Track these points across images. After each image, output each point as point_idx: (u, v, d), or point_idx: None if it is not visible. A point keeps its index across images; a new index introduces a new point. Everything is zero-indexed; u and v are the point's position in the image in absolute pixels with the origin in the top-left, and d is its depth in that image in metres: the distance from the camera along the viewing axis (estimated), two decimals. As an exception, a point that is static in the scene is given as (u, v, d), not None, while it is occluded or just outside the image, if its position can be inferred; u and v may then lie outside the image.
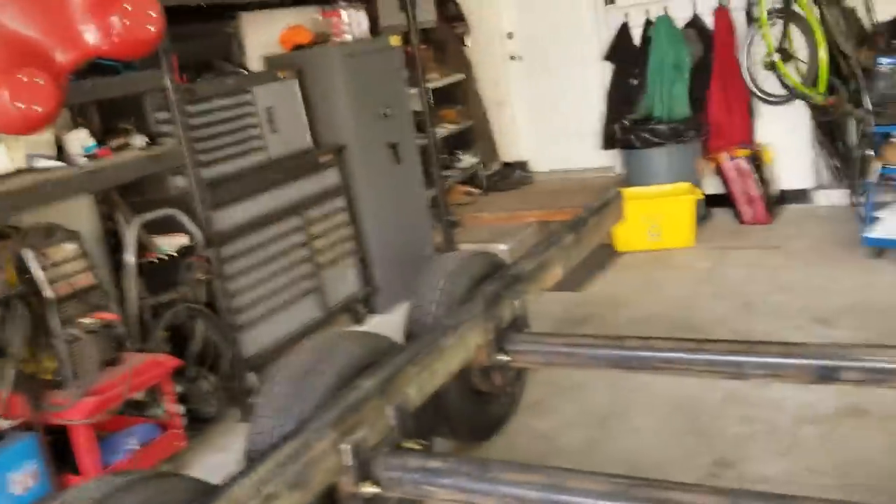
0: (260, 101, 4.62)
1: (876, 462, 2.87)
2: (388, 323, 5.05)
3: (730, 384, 3.50)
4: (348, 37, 5.23)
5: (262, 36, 5.17)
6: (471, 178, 7.13)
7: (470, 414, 3.35)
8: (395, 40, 5.59)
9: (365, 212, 5.15)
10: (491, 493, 2.29)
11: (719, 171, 6.04)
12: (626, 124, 6.21)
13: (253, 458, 2.23)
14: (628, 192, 4.85)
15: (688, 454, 3.18)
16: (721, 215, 6.17)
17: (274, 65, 5.05)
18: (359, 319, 5.15)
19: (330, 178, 4.95)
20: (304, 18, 5.35)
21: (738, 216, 6.00)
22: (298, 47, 5.16)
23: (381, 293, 5.26)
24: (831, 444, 3.04)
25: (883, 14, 5.71)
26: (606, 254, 5.66)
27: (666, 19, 6.28)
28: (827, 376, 2.63)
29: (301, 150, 4.85)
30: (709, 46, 6.18)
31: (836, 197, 5.98)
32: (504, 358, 3.21)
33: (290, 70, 4.85)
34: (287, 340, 4.52)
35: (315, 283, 4.78)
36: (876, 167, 4.74)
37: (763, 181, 5.91)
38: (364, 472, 2.42)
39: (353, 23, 5.26)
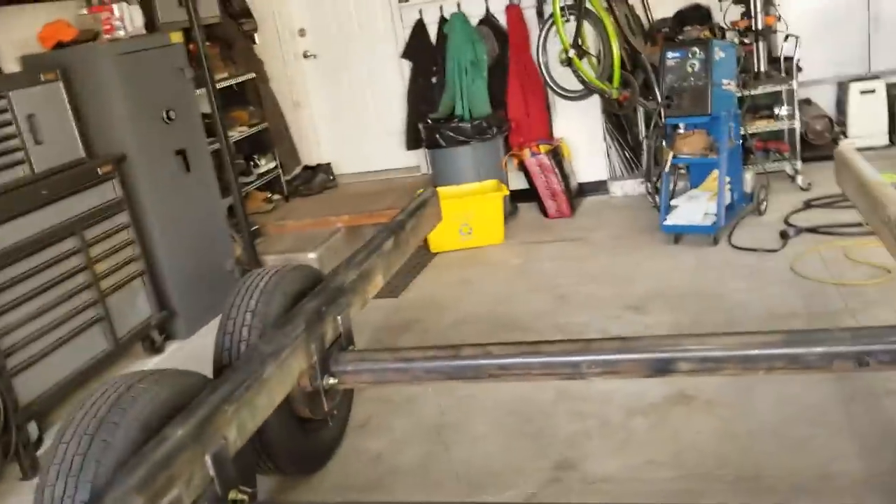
0: (18, 107, 3.96)
1: (709, 448, 2.92)
2: (192, 349, 4.59)
3: (559, 381, 3.48)
4: (121, 33, 4.65)
5: (15, 33, 4.46)
6: (270, 185, 6.71)
7: (295, 445, 3.02)
8: (175, 37, 5.09)
9: (153, 227, 4.62)
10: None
11: (523, 167, 6.12)
12: (430, 123, 6.11)
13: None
14: (438, 191, 4.74)
15: (527, 459, 3.08)
16: (527, 210, 6.26)
17: (33, 66, 4.37)
18: (156, 348, 4.61)
19: (109, 191, 4.36)
20: (66, 13, 4.70)
21: (543, 211, 6.10)
22: (61, 45, 4.51)
23: (180, 317, 4.76)
24: (664, 433, 3.07)
25: (657, 12, 6.08)
26: (420, 256, 5.53)
27: (460, 16, 6.25)
28: (662, 369, 2.61)
29: (72, 162, 4.23)
30: (504, 43, 6.24)
31: (629, 187, 6.26)
32: (331, 381, 2.93)
33: (54, 72, 4.21)
34: (72, 380, 3.95)
35: (99, 312, 4.20)
36: (668, 157, 4.95)
37: (564, 175, 6.05)
38: (184, 546, 2.04)
39: (126, 18, 4.69)
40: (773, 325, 3.35)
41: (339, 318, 3.03)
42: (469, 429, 3.37)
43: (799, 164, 5.62)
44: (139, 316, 4.49)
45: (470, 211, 5.63)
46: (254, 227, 5.89)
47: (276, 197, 6.74)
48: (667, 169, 5.00)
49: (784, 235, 4.75)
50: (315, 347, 2.85)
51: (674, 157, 4.97)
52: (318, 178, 7.06)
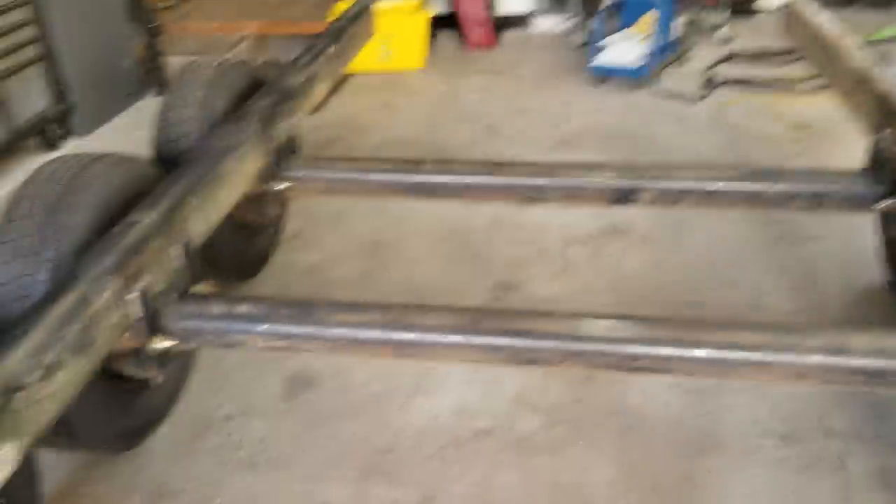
0: None
1: (645, 277, 3.05)
2: (92, 149, 4.22)
3: (491, 208, 3.49)
4: None
5: None
6: None
7: (236, 250, 2.91)
8: None
9: (54, 9, 4.08)
10: (318, 336, 1.97)
11: None
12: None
13: (20, 322, 1.63)
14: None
15: (469, 280, 3.12)
16: (447, 38, 5.94)
17: None
18: (52, 144, 4.20)
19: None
20: None
21: (464, 39, 5.84)
22: None
23: (79, 112, 4.34)
24: (601, 262, 3.17)
25: None
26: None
27: None
28: (624, 198, 2.66)
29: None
30: None
31: (554, 23, 6.08)
32: (283, 185, 2.79)
33: None
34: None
35: (-8, 96, 3.75)
36: None
37: (489, 4, 5.78)
38: (155, 325, 1.94)
39: None
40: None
41: (288, 120, 2.85)
42: (405, 249, 3.35)
43: (726, 15, 5.65)
44: (35, 106, 4.05)
45: (391, 30, 5.19)
46: (154, 24, 5.32)
47: (177, -8, 6.11)
48: (604, 4, 4.89)
49: (709, 84, 4.81)
50: (267, 149, 2.69)
51: None
52: None
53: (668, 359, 1.84)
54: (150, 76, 5.02)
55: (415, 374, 2.54)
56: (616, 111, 4.63)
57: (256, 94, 2.86)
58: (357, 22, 3.85)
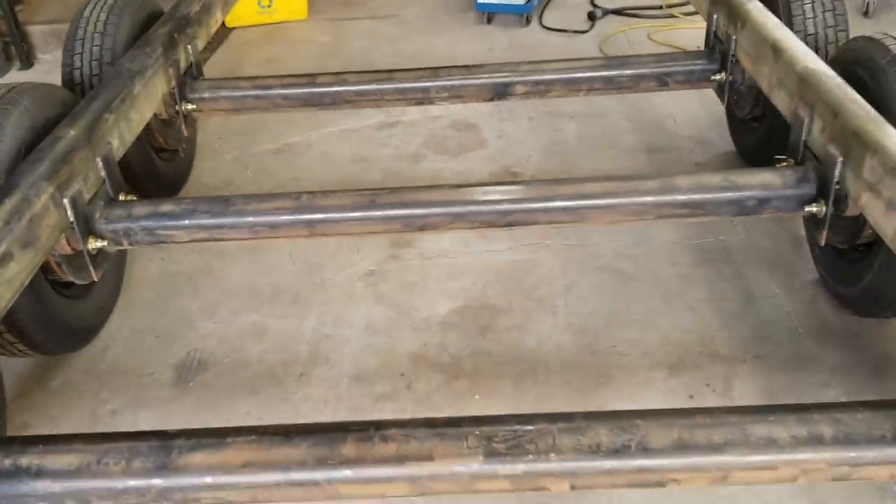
0: None
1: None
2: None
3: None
4: None
5: None
6: None
7: (152, 174, 3.12)
8: None
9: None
10: (237, 225, 2.25)
11: None
12: None
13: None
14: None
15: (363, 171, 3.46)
16: None
17: None
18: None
19: None
20: None
21: None
22: None
23: None
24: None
25: None
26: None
27: None
28: (502, 92, 2.99)
29: None
30: None
31: None
32: (188, 107, 3.01)
33: None
34: None
35: None
36: None
37: None
38: (87, 228, 2.19)
39: None
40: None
41: (188, 46, 3.06)
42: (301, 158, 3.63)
43: None
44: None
45: None
46: None
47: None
48: None
49: (592, 17, 4.94)
50: (172, 72, 2.90)
51: None
52: None
53: (533, 211, 2.20)
54: (12, 49, 4.87)
55: (311, 341, 2.51)
56: (502, 49, 4.71)
57: (156, 23, 3.04)
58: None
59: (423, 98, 3.04)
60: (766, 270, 2.68)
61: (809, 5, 2.67)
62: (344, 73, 3.08)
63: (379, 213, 2.22)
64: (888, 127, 1.90)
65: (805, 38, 2.64)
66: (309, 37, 5.15)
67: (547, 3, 5.26)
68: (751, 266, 2.70)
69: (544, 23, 5.01)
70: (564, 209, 2.20)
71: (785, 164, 2.28)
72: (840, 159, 2.00)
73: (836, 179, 2.02)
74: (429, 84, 3.01)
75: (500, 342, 2.47)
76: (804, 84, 2.21)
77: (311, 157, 3.63)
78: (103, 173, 2.29)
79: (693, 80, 2.96)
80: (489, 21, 5.08)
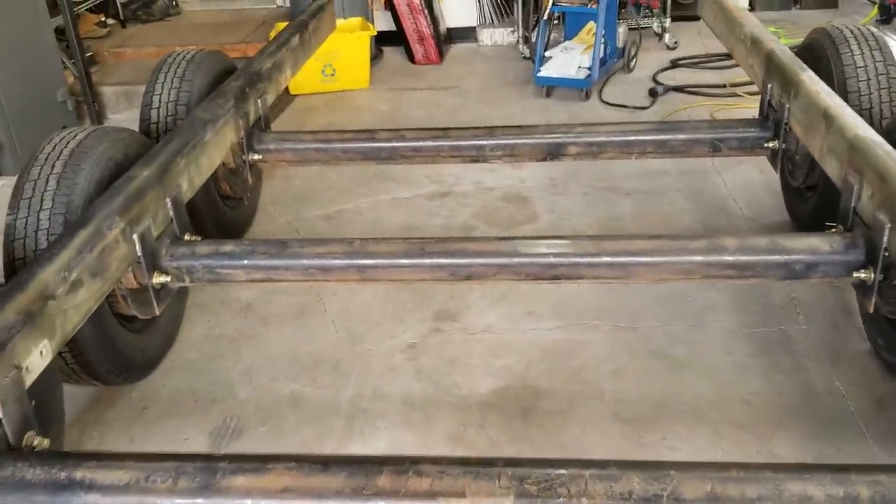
0: None
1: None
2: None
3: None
4: None
5: None
6: (103, 6, 6.23)
7: (219, 218, 3.27)
8: None
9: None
10: (292, 267, 2.35)
11: (390, 6, 5.95)
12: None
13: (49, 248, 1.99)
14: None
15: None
16: (392, 55, 6.14)
17: None
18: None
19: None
20: None
21: (409, 55, 5.99)
22: None
23: (7, 150, 4.37)
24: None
25: None
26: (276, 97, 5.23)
27: None
28: (555, 153, 3.07)
29: None
30: None
31: (499, 35, 6.26)
32: (255, 157, 3.17)
33: None
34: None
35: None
36: (548, 4, 5.10)
37: (433, 18, 5.95)
38: (153, 264, 2.31)
39: None
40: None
41: (258, 100, 3.23)
42: (366, 213, 3.74)
43: (667, 22, 5.91)
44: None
45: (334, 50, 5.21)
46: (87, 54, 5.38)
47: (111, 21, 6.28)
48: (545, 17, 5.13)
49: (653, 93, 4.93)
50: (242, 123, 3.07)
51: (553, 4, 5.10)
52: (159, 4, 6.59)
53: (579, 265, 2.24)
54: (85, 107, 5.08)
55: (347, 414, 2.48)
56: (560, 123, 4.45)
57: (230, 77, 3.23)
58: (319, 16, 4.23)
59: (478, 156, 3.14)
60: (829, 363, 2.57)
61: (865, 82, 2.70)
62: (401, 129, 3.22)
63: (427, 261, 2.29)
64: (938, 195, 1.90)
65: (860, 112, 2.66)
66: (369, 105, 5.28)
67: (608, 79, 5.28)
68: (812, 358, 2.60)
69: (604, 98, 5.02)
70: (610, 265, 2.23)
71: (834, 230, 2.28)
72: (888, 226, 2.00)
73: (884, 246, 2.02)
74: (483, 142, 3.11)
75: (543, 427, 2.41)
76: (854, 151, 2.23)
77: (361, 223, 3.69)
78: (171, 213, 2.42)
79: (746, 148, 2.99)
80: (548, 95, 5.12)
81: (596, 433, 2.37)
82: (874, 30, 2.91)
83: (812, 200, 3.04)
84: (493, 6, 6.34)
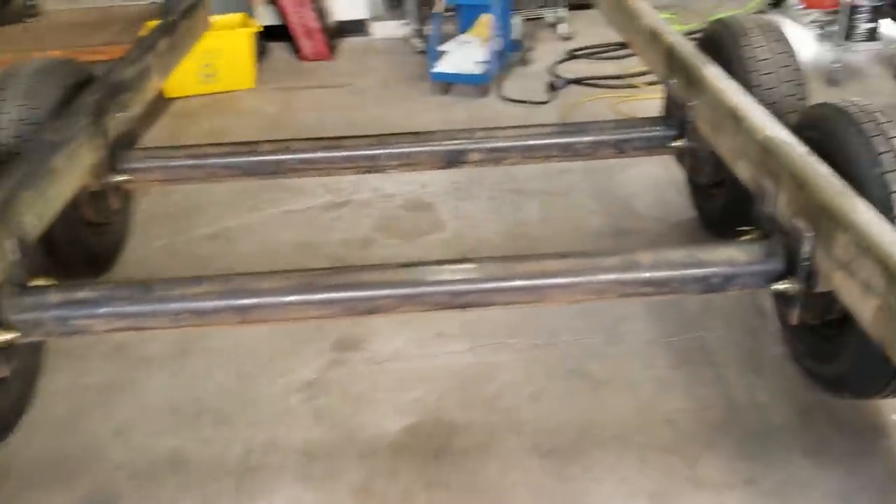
0: None
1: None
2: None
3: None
4: None
5: None
6: None
7: (83, 247, 2.91)
8: None
9: None
10: (160, 313, 2.04)
11: (273, 1, 5.59)
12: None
13: None
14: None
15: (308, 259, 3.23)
16: (279, 51, 5.73)
17: None
18: None
19: None
20: None
21: (297, 52, 5.64)
22: None
23: None
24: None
25: None
26: (151, 101, 4.75)
27: None
28: (455, 160, 2.86)
29: None
30: None
31: (391, 28, 5.97)
32: (120, 178, 2.82)
33: None
34: None
35: None
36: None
37: (320, 11, 5.62)
38: (-7, 320, 1.96)
39: None
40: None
41: (120, 114, 2.88)
42: (256, 231, 3.44)
43: (563, 12, 5.76)
44: None
45: (214, 49, 4.84)
46: None
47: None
48: (439, 9, 4.86)
49: (553, 87, 4.76)
50: (101, 142, 2.71)
51: None
52: (14, 2, 5.97)
53: (489, 291, 2.04)
54: None
55: (236, 473, 2.21)
56: (461, 122, 4.47)
57: (87, 89, 2.86)
58: (190, 15, 3.87)
59: (372, 166, 2.89)
60: (751, 372, 2.46)
61: (769, 76, 2.60)
62: (287, 140, 2.93)
63: (319, 296, 2.03)
64: (859, 201, 1.79)
65: (766, 107, 2.56)
66: (255, 107, 4.91)
67: (506, 74, 5.09)
68: (733, 367, 2.49)
69: (504, 94, 4.83)
70: (522, 288, 2.04)
71: (750, 236, 2.16)
72: (809, 234, 1.88)
73: (805, 256, 1.90)
74: (378, 151, 2.87)
75: (460, 468, 2.19)
76: (766, 153, 2.11)
77: (251, 243, 3.37)
78: (14, 257, 2.07)
79: (651, 147, 2.86)
80: (446, 92, 4.89)
81: (516, 471, 2.18)
82: (773, 19, 2.83)
83: (720, 198, 2.95)
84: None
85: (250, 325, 2.11)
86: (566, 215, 3.44)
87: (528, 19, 5.64)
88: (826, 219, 1.81)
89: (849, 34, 4.64)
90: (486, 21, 4.95)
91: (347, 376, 2.56)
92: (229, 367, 2.62)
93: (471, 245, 3.25)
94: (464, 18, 5.18)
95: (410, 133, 2.91)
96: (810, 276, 1.93)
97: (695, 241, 3.10)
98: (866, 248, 1.66)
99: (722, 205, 2.94)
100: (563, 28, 5.70)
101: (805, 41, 5.29)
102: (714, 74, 2.57)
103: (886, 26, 4.75)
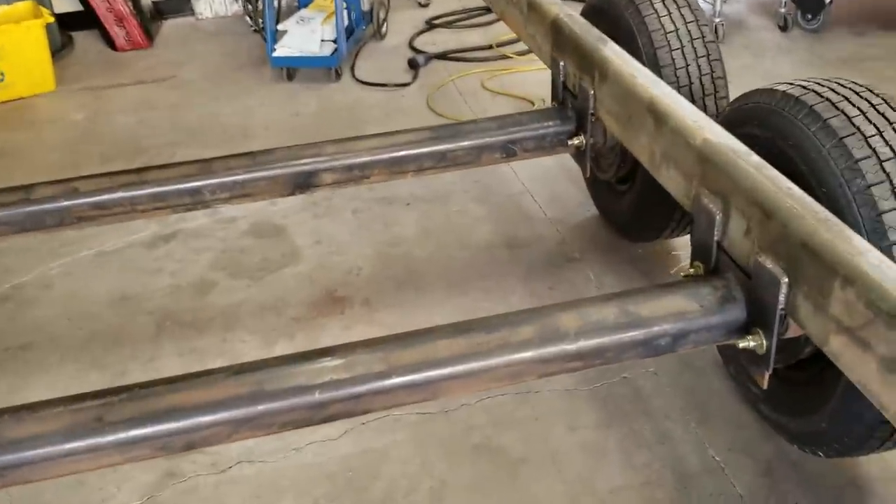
0: None
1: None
2: None
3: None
4: None
5: None
6: None
7: None
8: None
9: None
10: None
11: None
12: None
13: None
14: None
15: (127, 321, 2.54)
16: (88, 42, 4.84)
17: None
18: None
19: None
20: None
21: (108, 42, 4.77)
22: None
23: None
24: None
25: None
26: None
27: None
28: (304, 183, 2.23)
29: None
30: None
31: (220, 5, 5.21)
32: None
33: None
34: None
35: None
36: None
37: None
38: None
39: None
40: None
41: None
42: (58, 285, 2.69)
43: None
44: None
45: None
46: None
47: None
48: None
49: (413, 64, 4.18)
50: None
51: None
52: None
53: (361, 396, 1.44)
54: None
55: None
56: (311, 115, 3.83)
57: None
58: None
59: (194, 202, 2.21)
60: (695, 421, 2.00)
61: (679, 51, 2.11)
62: (74, 179, 2.19)
63: (111, 437, 1.38)
64: (853, 235, 1.32)
65: (678, 90, 2.08)
66: (57, 115, 4.04)
67: (359, 51, 4.44)
68: (674, 418, 2.02)
69: (358, 76, 4.18)
70: (409, 387, 1.46)
71: (693, 270, 1.68)
72: (784, 280, 1.39)
73: (781, 306, 1.42)
74: (201, 183, 2.19)
75: None
76: (708, 165, 1.61)
77: (51, 303, 2.62)
78: None
79: (545, 147, 2.33)
80: (290, 78, 4.19)
81: None
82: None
83: (629, 196, 2.47)
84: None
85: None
86: (448, 226, 2.88)
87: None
88: (810, 260, 1.33)
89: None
90: (329, -9, 4.27)
91: (185, 495, 1.92)
92: (23, 498, 1.92)
93: (338, 279, 2.64)
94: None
95: (243, 155, 2.24)
96: (785, 326, 1.46)
97: (602, 247, 2.68)
98: (877, 304, 1.19)
99: (632, 204, 2.46)
100: (418, -8, 5.11)
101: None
102: (616, 55, 2.04)
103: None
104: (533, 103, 3.70)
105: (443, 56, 4.31)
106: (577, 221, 2.84)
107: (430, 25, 4.76)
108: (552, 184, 3.05)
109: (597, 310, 1.55)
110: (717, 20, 4.23)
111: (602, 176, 2.54)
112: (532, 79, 3.85)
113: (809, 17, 4.31)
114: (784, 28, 4.36)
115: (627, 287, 2.34)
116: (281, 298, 2.56)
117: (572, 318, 1.52)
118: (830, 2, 4.20)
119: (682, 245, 2.60)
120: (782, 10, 4.34)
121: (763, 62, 4.08)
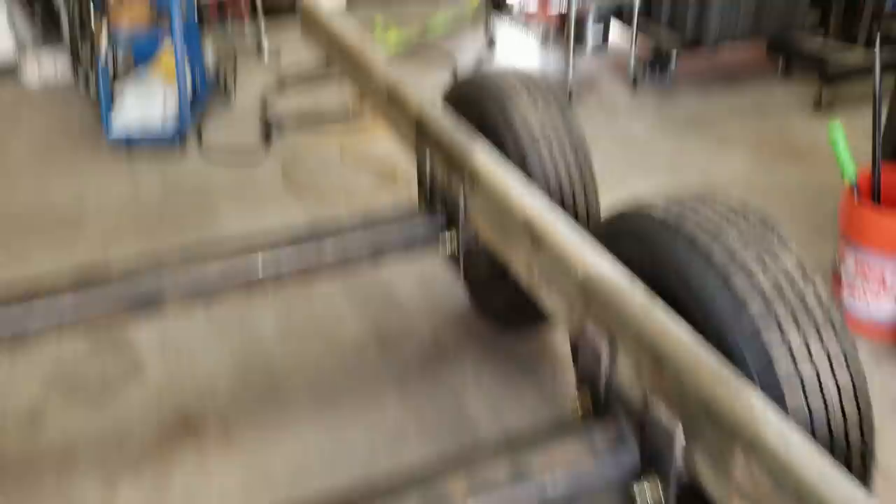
0: None
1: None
2: None
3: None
4: None
5: None
6: None
7: None
8: None
9: None
10: None
11: None
12: None
13: None
14: None
15: None
16: None
17: None
18: None
19: None
20: None
21: None
22: None
23: None
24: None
25: None
26: None
27: None
28: (145, 305, 1.96)
29: None
30: None
31: (51, 66, 4.66)
32: None
33: None
34: None
35: None
36: (102, 32, 3.70)
37: None
38: None
39: None
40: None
41: None
42: None
43: (262, 29, 4.92)
44: None
45: None
46: None
47: None
48: (103, 50, 3.73)
49: (267, 133, 3.93)
50: None
51: (111, 30, 3.74)
52: None
53: None
54: None
55: None
56: (155, 198, 3.51)
57: None
58: None
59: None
60: None
61: (544, 143, 2.04)
62: None
63: None
64: (750, 393, 1.25)
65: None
66: None
67: (205, 117, 4.12)
68: None
69: (206, 149, 3.87)
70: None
71: (580, 401, 1.58)
72: (680, 431, 1.31)
73: (678, 460, 1.34)
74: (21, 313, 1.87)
75: None
76: (592, 298, 1.51)
77: None
78: None
79: (416, 247, 2.17)
80: (130, 150, 3.84)
81: None
82: (541, 78, 2.27)
83: (505, 293, 2.35)
84: (37, 26, 4.77)
85: None
86: (312, 323, 2.68)
87: (224, 43, 4.73)
88: (706, 419, 1.25)
89: (578, 42, 4.36)
90: (169, 52, 3.95)
91: None
92: None
93: (190, 398, 2.37)
94: (138, 49, 4.11)
95: (71, 283, 1.93)
96: (682, 473, 1.38)
97: (481, 337, 2.57)
98: (782, 480, 1.12)
99: (506, 302, 2.36)
100: (265, 48, 4.90)
101: (533, 51, 4.99)
102: (488, 163, 1.92)
103: (615, 32, 4.54)
104: (395, 174, 3.58)
105: (297, 120, 4.09)
106: (451, 310, 2.72)
107: (282, 83, 4.52)
108: (422, 268, 2.91)
109: (486, 466, 1.41)
110: (570, 82, 4.27)
111: (477, 277, 2.43)
112: (391, 145, 3.73)
113: (657, 75, 4.47)
114: (636, 84, 4.47)
115: (508, 390, 2.25)
116: (124, 429, 2.25)
117: (460, 482, 1.38)
118: (675, 66, 4.40)
119: (559, 339, 2.52)
120: (631, 70, 4.45)
121: (617, 122, 4.16)
